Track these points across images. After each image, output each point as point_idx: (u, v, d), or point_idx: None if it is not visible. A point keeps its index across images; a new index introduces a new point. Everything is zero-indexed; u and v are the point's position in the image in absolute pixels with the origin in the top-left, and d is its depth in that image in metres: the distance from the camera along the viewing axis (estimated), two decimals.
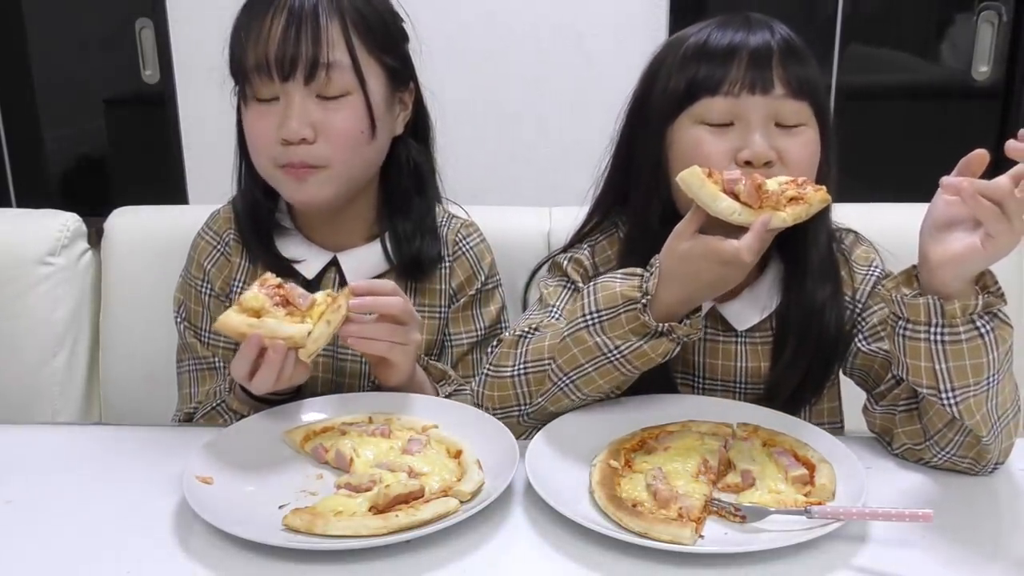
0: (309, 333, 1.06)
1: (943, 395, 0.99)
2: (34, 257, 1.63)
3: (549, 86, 2.80)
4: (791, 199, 0.95)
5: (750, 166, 1.09)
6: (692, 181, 0.96)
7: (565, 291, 1.25)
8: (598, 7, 2.74)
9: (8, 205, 3.25)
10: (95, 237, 1.71)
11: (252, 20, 1.18)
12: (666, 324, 1.03)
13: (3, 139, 3.25)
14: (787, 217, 0.94)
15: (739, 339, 1.22)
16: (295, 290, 1.08)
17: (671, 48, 1.18)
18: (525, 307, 1.38)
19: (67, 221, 1.67)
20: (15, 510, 1.00)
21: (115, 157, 3.34)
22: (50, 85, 3.21)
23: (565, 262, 1.28)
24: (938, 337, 0.97)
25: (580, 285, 1.24)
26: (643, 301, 1.03)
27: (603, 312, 1.05)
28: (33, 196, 3.28)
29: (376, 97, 1.20)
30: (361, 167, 1.24)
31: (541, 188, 2.78)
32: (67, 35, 3.14)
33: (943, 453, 1.05)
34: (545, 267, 1.34)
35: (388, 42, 1.23)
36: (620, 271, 1.08)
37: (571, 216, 1.68)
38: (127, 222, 1.70)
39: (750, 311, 1.20)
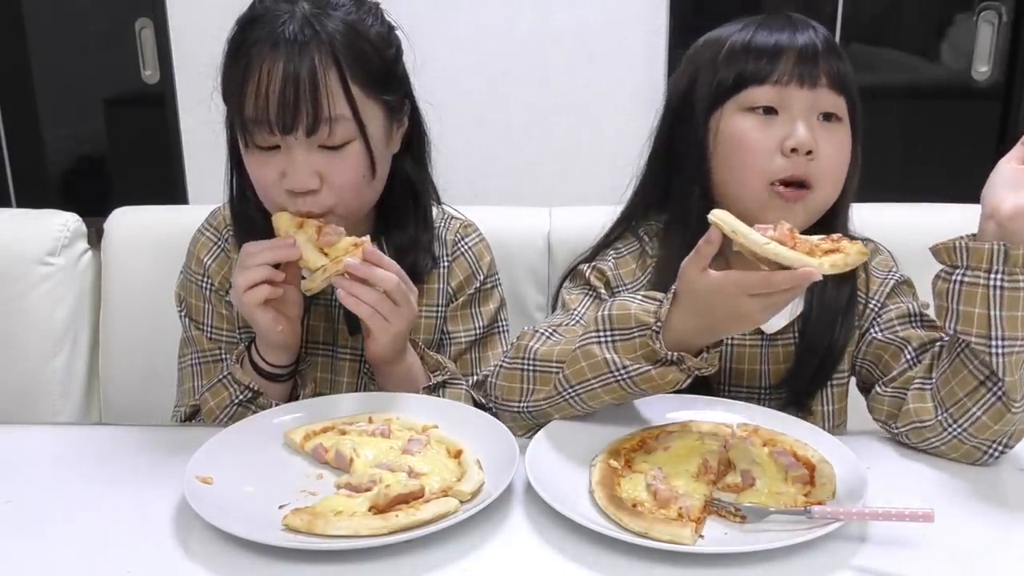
0: (321, 267, 1.14)
1: (993, 343, 1.01)
2: (34, 257, 1.63)
3: (549, 86, 2.80)
4: (827, 251, 0.94)
5: (795, 153, 1.14)
6: (725, 217, 0.96)
7: (587, 298, 1.27)
8: (598, 7, 2.74)
9: (8, 205, 3.25)
10: (95, 237, 1.71)
11: (248, 69, 1.12)
12: (676, 353, 1.01)
13: (3, 139, 3.25)
14: (825, 263, 0.92)
15: (764, 343, 1.25)
16: (332, 229, 1.17)
17: (710, 46, 1.22)
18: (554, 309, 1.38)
19: (67, 221, 1.67)
20: (15, 510, 1.00)
21: (115, 157, 3.33)
22: (50, 85, 3.21)
23: (587, 270, 1.30)
24: (997, 283, 1.00)
25: (602, 292, 1.27)
26: (655, 327, 1.01)
27: (616, 330, 1.05)
28: (33, 196, 3.28)
29: (375, 138, 1.18)
30: (363, 206, 1.24)
31: (541, 188, 2.78)
32: (67, 35, 3.14)
33: (954, 427, 1.06)
34: (568, 278, 1.36)
35: (385, 78, 1.19)
36: (640, 293, 1.08)
37: (571, 216, 1.68)
38: (127, 222, 1.70)
39: (779, 315, 1.19)
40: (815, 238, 0.96)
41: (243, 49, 1.14)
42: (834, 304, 1.22)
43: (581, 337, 1.08)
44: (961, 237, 1.04)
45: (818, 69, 1.15)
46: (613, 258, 1.30)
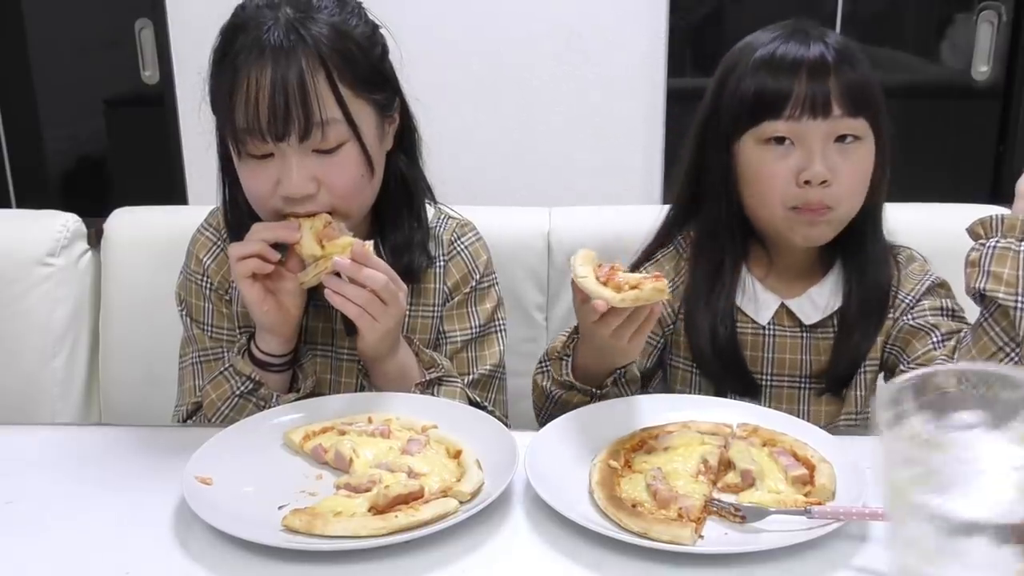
0: (315, 262, 1.16)
1: (1018, 299, 1.09)
2: (34, 257, 1.63)
3: (548, 85, 2.79)
4: (634, 286, 1.06)
5: (809, 185, 1.20)
6: (575, 261, 1.11)
7: None
8: (598, 6, 2.74)
9: (8, 205, 3.24)
10: (95, 237, 1.71)
11: (235, 79, 1.12)
12: (567, 379, 1.21)
13: (3, 139, 3.24)
14: (615, 298, 1.04)
15: (805, 334, 1.32)
16: (336, 225, 1.17)
17: (741, 54, 1.27)
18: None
19: (67, 221, 1.67)
20: (15, 510, 1.00)
21: (115, 157, 3.33)
22: (50, 85, 3.20)
23: None
24: None
25: None
26: (562, 357, 1.23)
27: (548, 361, 1.27)
28: (33, 196, 3.27)
29: (369, 138, 1.18)
30: (363, 205, 1.24)
31: (541, 188, 2.78)
32: (67, 35, 3.14)
33: None
34: None
35: (373, 77, 1.19)
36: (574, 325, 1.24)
37: (571, 216, 1.68)
38: (127, 222, 1.70)
39: (814, 308, 1.32)
40: (634, 276, 1.08)
41: (228, 58, 1.13)
42: (869, 297, 1.29)
43: (535, 371, 1.29)
44: (997, 214, 1.12)
45: (829, 92, 1.19)
46: (650, 269, 1.37)
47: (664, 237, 1.40)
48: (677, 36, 2.73)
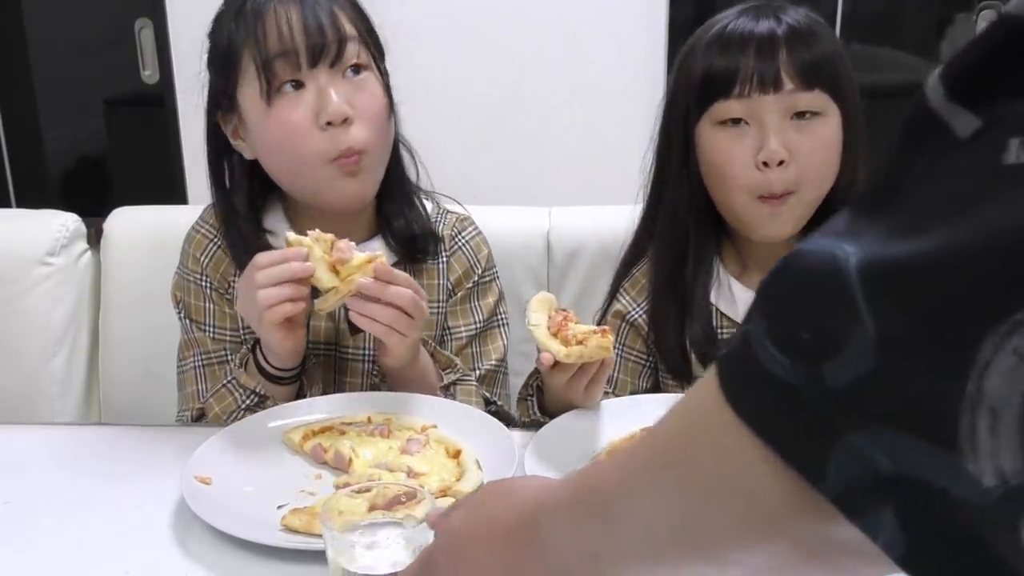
0: (332, 288, 1.11)
1: None
2: (34, 257, 1.63)
3: (548, 84, 2.80)
4: (580, 341, 1.04)
5: (768, 167, 1.14)
6: (530, 306, 1.10)
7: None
8: (598, 4, 2.74)
9: (8, 205, 3.24)
10: (95, 237, 1.71)
11: (261, 13, 1.16)
12: (536, 418, 1.18)
13: (3, 139, 3.24)
14: (560, 352, 1.03)
15: None
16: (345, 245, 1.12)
17: (697, 36, 1.21)
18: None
19: (66, 221, 1.67)
20: (14, 510, 1.00)
21: (115, 157, 3.33)
22: (50, 85, 3.20)
23: (610, 319, 1.33)
24: None
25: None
26: (526, 399, 1.20)
27: (518, 403, 1.25)
28: (33, 196, 3.27)
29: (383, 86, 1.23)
30: (386, 151, 1.25)
31: (541, 188, 2.78)
32: (67, 35, 3.14)
33: None
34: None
35: (380, 47, 1.25)
36: None
37: (571, 216, 1.68)
38: (127, 222, 1.70)
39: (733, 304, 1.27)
40: (583, 328, 1.05)
41: (247, 5, 1.18)
42: None
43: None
44: None
45: (779, 66, 1.12)
46: (628, 287, 1.33)
47: (639, 248, 1.33)
48: (677, 33, 2.73)
